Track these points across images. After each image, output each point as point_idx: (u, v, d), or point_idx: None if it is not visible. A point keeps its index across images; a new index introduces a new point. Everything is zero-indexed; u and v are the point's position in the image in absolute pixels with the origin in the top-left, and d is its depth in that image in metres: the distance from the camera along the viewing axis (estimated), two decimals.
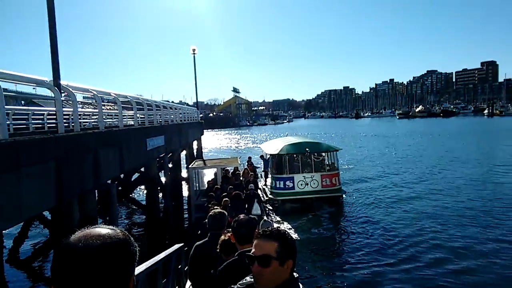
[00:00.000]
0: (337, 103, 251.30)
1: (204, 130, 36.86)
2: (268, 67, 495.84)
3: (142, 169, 18.67)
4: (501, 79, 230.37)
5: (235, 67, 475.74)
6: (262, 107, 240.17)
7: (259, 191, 19.78)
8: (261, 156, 22.60)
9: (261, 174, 22.30)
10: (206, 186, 16.77)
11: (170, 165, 18.24)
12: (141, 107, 13.35)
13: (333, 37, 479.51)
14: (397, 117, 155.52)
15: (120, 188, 19.07)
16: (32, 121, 10.26)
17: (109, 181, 9.58)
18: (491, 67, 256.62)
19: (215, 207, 5.63)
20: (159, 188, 14.91)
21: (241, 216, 3.24)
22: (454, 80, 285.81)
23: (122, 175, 19.04)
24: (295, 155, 19.80)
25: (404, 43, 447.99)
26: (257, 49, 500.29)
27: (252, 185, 14.12)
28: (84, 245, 0.99)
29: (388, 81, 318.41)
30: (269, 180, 19.78)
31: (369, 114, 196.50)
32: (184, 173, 22.16)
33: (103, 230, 1.05)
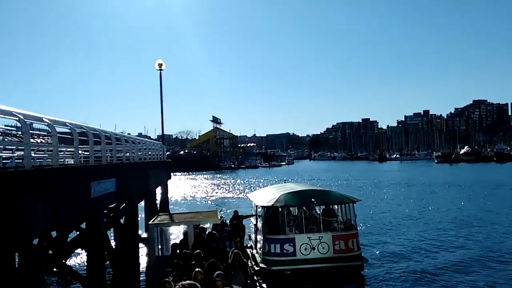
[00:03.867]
0: (354, 141, 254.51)
1: (172, 173, 36.72)
2: (261, 92, 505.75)
3: (83, 225, 18.36)
4: None
5: (217, 90, 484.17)
6: (251, 144, 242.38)
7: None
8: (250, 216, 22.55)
9: (249, 236, 22.07)
10: (171, 250, 16.50)
11: (122, 220, 17.95)
12: (85, 138, 13.32)
13: (347, 55, 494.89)
14: (435, 160, 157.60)
15: (50, 251, 18.57)
16: None
17: (35, 241, 9.32)
18: None
19: (183, 283, 5.43)
20: (106, 252, 14.56)
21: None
22: (510, 113, 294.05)
23: (54, 233, 18.65)
24: (296, 208, 19.69)
25: (442, 64, 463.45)
26: (247, 69, 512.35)
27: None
28: None
29: (422, 113, 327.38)
30: (260, 242, 19.52)
31: (397, 155, 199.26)
32: (142, 232, 21.75)
33: None
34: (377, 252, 23.35)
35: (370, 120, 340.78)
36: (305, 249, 18.06)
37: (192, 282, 4.40)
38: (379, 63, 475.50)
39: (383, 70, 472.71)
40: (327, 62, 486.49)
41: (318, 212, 19.28)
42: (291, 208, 20.10)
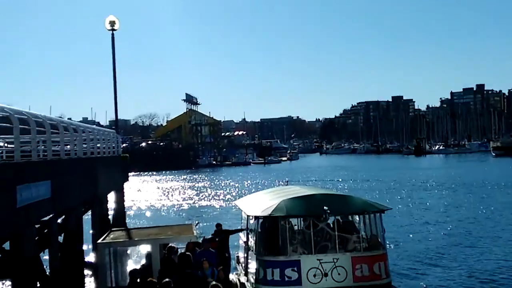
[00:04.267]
0: (382, 127, 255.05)
1: (130, 173, 36.57)
2: (253, 63, 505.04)
3: (7, 245, 18.27)
4: None
5: (193, 61, 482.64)
6: (240, 132, 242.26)
7: None
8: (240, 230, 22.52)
9: (237, 258, 22.03)
10: (130, 278, 16.49)
11: (61, 238, 17.85)
12: (7, 125, 13.22)
13: (370, 18, 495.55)
14: (493, 153, 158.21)
15: None
16: None
17: None
18: None
19: None
20: (38, 283, 14.47)
21: None
22: None
23: None
24: (302, 220, 19.61)
25: (500, 23, 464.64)
26: (233, 33, 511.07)
27: None
28: None
29: (475, 89, 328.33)
30: (252, 266, 19.55)
31: (441, 147, 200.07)
32: (89, 254, 21.66)
33: None
34: (413, 282, 23.48)
35: (404, 98, 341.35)
36: (315, 275, 18.01)
37: None
38: (414, 24, 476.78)
39: (419, 33, 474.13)
40: (341, 28, 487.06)
41: (332, 225, 19.26)
42: (295, 220, 20.02)
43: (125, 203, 30.48)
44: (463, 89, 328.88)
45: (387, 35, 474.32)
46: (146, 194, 73.38)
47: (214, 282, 14.14)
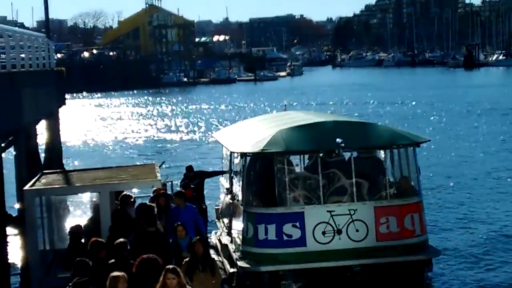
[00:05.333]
0: (418, 30, 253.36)
1: (68, 95, 36.32)
2: None
3: None
4: None
5: None
6: (221, 37, 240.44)
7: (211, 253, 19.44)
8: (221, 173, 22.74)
9: (217, 211, 22.28)
10: (70, 238, 16.66)
11: None
12: None
13: None
14: None
15: None
16: None
17: None
18: None
19: None
20: None
21: None
22: None
23: None
24: (307, 157, 19.75)
25: None
26: None
27: None
28: None
29: None
30: (238, 222, 19.80)
31: (501, 56, 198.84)
32: (12, 205, 21.80)
33: None
34: (458, 239, 23.77)
35: None
36: (324, 233, 18.26)
37: None
38: None
39: None
40: None
41: (348, 164, 19.37)
42: (296, 157, 20.17)
43: (61, 135, 30.48)
44: None
45: None
46: (90, 123, 73.45)
47: (197, 239, 14.35)
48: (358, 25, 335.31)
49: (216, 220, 22.98)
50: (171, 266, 11.13)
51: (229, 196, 21.35)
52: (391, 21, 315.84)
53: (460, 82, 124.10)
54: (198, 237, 14.93)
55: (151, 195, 20.24)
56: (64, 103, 31.37)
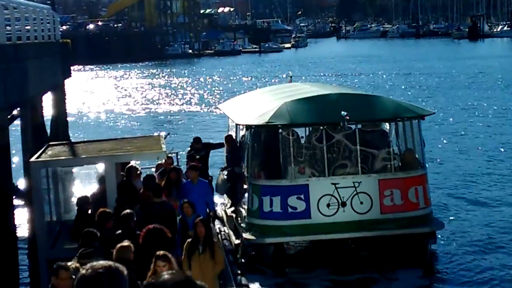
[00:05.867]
0: (422, 0, 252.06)
1: (73, 67, 36.24)
2: None
3: None
4: None
5: None
6: (226, 9, 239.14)
7: (216, 226, 19.50)
8: (227, 140, 22.67)
9: (222, 180, 22.36)
10: (78, 209, 16.72)
11: None
12: None
13: None
14: None
15: None
16: None
17: None
18: None
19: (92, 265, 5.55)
20: None
21: None
22: None
23: None
24: (312, 129, 19.77)
25: None
26: None
27: None
28: None
29: None
30: (242, 196, 19.85)
31: (506, 27, 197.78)
32: (18, 178, 21.83)
33: None
34: (462, 211, 23.83)
35: None
36: (328, 205, 18.33)
37: (108, 264, 4.50)
38: None
39: None
40: None
41: (352, 136, 19.37)
42: (301, 130, 20.18)
43: (66, 107, 30.41)
44: None
45: None
46: (95, 95, 73.49)
47: (200, 219, 14.33)
48: None
49: (219, 192, 22.99)
50: (161, 253, 10.99)
51: (225, 172, 21.57)
52: None
53: (464, 54, 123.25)
54: (200, 218, 14.67)
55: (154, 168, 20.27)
56: (70, 75, 31.27)
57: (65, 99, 30.07)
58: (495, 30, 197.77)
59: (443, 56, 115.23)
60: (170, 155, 21.06)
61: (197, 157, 20.91)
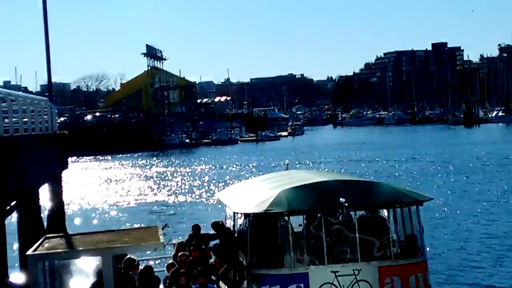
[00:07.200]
0: (418, 87, 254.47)
1: (71, 158, 36.35)
2: (239, 8, 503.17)
3: None
4: None
5: (156, 3, 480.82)
6: (223, 98, 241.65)
7: None
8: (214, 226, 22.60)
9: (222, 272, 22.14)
10: None
11: None
12: None
13: None
14: None
15: None
16: None
17: None
18: None
19: None
20: None
21: None
22: None
23: None
24: (311, 217, 19.69)
25: None
26: None
27: None
28: None
29: None
30: (241, 282, 19.67)
31: (501, 112, 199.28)
32: (15, 271, 21.60)
33: None
34: None
35: (449, 46, 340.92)
36: None
37: None
38: None
39: None
40: None
41: (352, 224, 19.31)
42: (300, 218, 20.09)
43: (63, 198, 30.41)
44: None
45: None
46: (93, 186, 73.37)
47: None
48: (358, 84, 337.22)
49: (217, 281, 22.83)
50: None
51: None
52: (391, 78, 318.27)
53: (460, 140, 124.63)
54: None
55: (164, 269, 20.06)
56: (67, 167, 31.34)
57: (62, 190, 30.09)
58: (489, 115, 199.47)
59: (439, 142, 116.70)
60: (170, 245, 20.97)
61: (194, 245, 20.77)
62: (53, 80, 35.76)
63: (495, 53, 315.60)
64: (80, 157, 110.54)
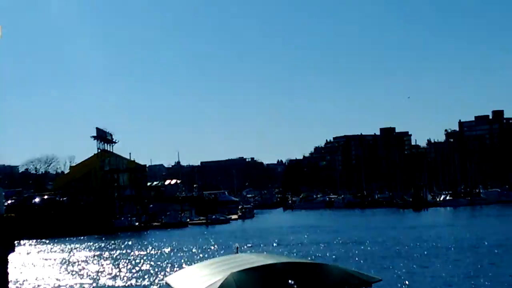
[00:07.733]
0: (367, 170, 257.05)
1: (18, 242, 35.82)
2: (188, 83, 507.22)
3: None
4: None
5: (106, 85, 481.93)
6: (173, 181, 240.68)
7: None
8: None
9: None
10: None
11: None
12: None
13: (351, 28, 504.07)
14: None
15: None
16: None
17: None
18: None
19: None
20: None
21: None
22: None
23: None
24: None
25: None
26: (165, 41, 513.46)
27: None
28: None
29: (491, 117, 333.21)
30: None
31: (448, 196, 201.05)
32: None
33: None
34: None
35: (397, 131, 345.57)
36: None
37: None
38: (411, 30, 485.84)
39: (419, 43, 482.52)
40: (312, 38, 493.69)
41: None
42: None
43: (9, 283, 29.93)
44: (476, 117, 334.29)
45: (374, 47, 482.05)
46: (41, 271, 72.12)
47: None
48: (308, 167, 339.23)
49: None
50: None
51: None
52: (340, 162, 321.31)
53: (408, 223, 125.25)
54: None
55: None
56: (13, 250, 30.94)
57: (7, 274, 29.65)
58: (438, 199, 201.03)
59: (388, 226, 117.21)
60: None
61: None
62: (1, 163, 35.55)
63: (442, 138, 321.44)
64: (28, 240, 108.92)
